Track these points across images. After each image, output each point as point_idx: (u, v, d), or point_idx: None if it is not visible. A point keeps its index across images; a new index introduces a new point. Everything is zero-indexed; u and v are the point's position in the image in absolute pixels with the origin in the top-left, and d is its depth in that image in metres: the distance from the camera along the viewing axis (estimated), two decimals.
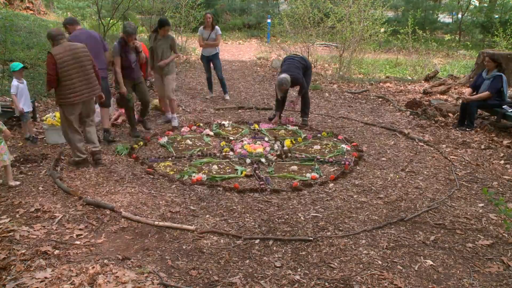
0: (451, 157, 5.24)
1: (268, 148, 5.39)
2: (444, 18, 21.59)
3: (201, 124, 6.39)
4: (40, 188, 4.15)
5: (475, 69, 9.28)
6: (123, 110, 6.06)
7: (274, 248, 3.22)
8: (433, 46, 12.60)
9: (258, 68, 11.93)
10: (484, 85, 6.36)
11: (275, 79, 10.57)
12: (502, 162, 5.09)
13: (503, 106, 6.15)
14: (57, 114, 5.46)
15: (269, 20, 17.31)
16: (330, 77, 10.53)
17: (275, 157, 5.11)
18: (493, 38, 11.85)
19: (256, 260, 3.06)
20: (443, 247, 3.29)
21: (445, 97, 8.44)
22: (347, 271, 2.96)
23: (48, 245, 3.11)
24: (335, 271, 2.95)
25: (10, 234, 3.26)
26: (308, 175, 4.58)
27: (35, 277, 2.72)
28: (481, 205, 4.01)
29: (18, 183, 4.22)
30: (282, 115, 6.73)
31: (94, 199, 3.90)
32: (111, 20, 10.73)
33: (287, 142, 5.54)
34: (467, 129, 6.29)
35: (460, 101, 6.59)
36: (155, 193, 4.12)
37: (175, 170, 4.69)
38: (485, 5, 19.10)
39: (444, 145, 5.69)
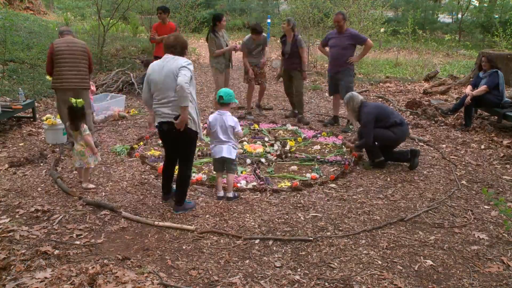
0: (451, 157, 5.24)
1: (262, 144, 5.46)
2: (444, 18, 21.59)
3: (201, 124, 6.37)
4: (40, 189, 4.15)
5: (475, 69, 9.28)
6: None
7: (274, 248, 3.22)
8: (433, 46, 12.59)
9: None
10: (481, 84, 6.37)
11: (274, 78, 10.61)
12: (502, 162, 5.09)
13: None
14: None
15: (269, 20, 17.30)
16: None
17: (275, 157, 5.11)
18: (493, 38, 11.84)
19: (256, 260, 3.05)
20: (443, 247, 3.29)
21: (445, 97, 8.44)
22: (347, 271, 2.96)
23: (48, 245, 3.11)
24: (335, 271, 2.95)
25: (10, 234, 3.26)
26: (308, 175, 4.57)
27: (35, 277, 2.72)
28: (481, 205, 4.01)
29: (93, 186, 4.20)
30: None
31: (94, 199, 3.90)
32: (111, 20, 10.72)
33: (291, 143, 5.54)
34: (465, 127, 6.33)
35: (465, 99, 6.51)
36: (155, 193, 4.12)
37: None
38: (485, 5, 19.09)
39: (444, 145, 5.69)
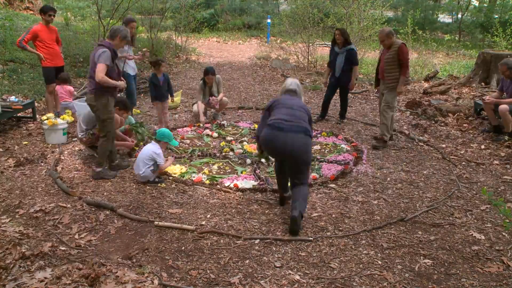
0: (451, 157, 5.24)
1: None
2: (444, 18, 21.60)
3: (201, 125, 6.39)
4: (40, 189, 4.15)
5: (475, 69, 9.28)
6: None
7: (274, 248, 3.22)
8: (433, 46, 12.59)
9: (258, 68, 11.94)
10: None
11: (275, 79, 10.61)
12: (502, 162, 5.09)
13: None
14: (65, 116, 5.60)
15: (269, 20, 17.32)
16: None
17: None
18: (493, 38, 11.85)
19: (256, 260, 3.05)
20: (443, 247, 3.29)
21: (445, 97, 8.44)
22: (347, 271, 2.96)
23: (48, 245, 3.11)
24: (335, 271, 2.95)
25: (10, 234, 3.26)
26: None
27: (35, 277, 2.72)
28: (481, 205, 4.01)
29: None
30: None
31: (94, 199, 3.90)
32: (111, 20, 10.71)
33: None
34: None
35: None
36: (155, 193, 4.12)
37: (185, 171, 4.65)
38: (485, 5, 19.11)
39: (444, 145, 5.69)
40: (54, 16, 6.23)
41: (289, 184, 3.84)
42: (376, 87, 5.98)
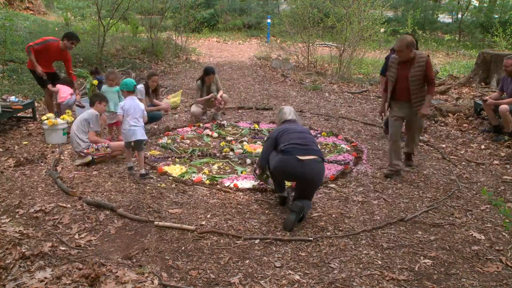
0: (451, 157, 5.24)
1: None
2: (444, 18, 21.60)
3: (201, 125, 6.39)
4: (40, 189, 4.15)
5: (475, 69, 9.28)
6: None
7: (274, 248, 3.22)
8: (433, 46, 12.60)
9: (258, 68, 11.94)
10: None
11: (275, 79, 10.61)
12: (502, 162, 5.09)
13: None
14: (65, 116, 5.58)
15: (269, 20, 17.32)
16: (330, 77, 10.54)
17: None
18: (493, 38, 11.85)
19: (256, 260, 3.05)
20: (443, 247, 3.29)
21: (445, 97, 8.44)
22: (347, 271, 2.96)
23: (48, 245, 3.11)
24: (335, 271, 2.95)
25: (10, 234, 3.26)
26: None
27: (35, 277, 2.72)
28: (481, 205, 4.01)
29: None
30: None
31: (94, 199, 3.90)
32: (111, 20, 10.72)
33: None
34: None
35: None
36: (155, 193, 4.12)
37: (186, 171, 4.65)
38: (485, 5, 19.10)
39: (444, 145, 5.69)
40: (75, 45, 6.19)
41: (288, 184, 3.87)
42: (384, 111, 4.94)
